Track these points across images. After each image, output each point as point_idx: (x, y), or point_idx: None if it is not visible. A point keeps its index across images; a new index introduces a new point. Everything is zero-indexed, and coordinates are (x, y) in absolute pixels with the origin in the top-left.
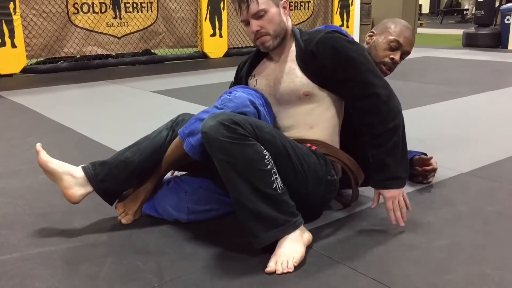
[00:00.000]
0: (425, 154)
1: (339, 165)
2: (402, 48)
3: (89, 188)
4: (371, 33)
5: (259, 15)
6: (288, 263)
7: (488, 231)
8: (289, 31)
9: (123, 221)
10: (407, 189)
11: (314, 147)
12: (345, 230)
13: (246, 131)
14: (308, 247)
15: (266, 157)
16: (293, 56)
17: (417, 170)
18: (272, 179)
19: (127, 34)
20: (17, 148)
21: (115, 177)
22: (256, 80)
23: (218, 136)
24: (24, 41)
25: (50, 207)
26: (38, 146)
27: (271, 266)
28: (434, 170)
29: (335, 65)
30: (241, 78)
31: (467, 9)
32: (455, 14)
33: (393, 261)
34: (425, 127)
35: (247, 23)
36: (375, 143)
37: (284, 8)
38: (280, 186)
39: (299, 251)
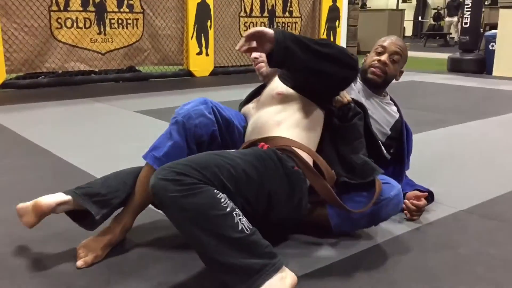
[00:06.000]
0: (431, 192)
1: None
2: (387, 50)
3: (65, 197)
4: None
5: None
6: None
7: (492, 279)
8: None
9: (78, 264)
10: (404, 228)
11: (265, 146)
12: (341, 274)
13: (193, 178)
14: None
15: (222, 199)
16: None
17: (405, 203)
18: (236, 221)
19: (111, 50)
20: None
21: (96, 184)
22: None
23: (167, 193)
24: (4, 55)
25: (27, 235)
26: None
27: None
28: (421, 209)
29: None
30: None
31: (450, 33)
32: (437, 37)
33: None
34: (415, 158)
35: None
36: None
37: None
38: (247, 226)
39: None
